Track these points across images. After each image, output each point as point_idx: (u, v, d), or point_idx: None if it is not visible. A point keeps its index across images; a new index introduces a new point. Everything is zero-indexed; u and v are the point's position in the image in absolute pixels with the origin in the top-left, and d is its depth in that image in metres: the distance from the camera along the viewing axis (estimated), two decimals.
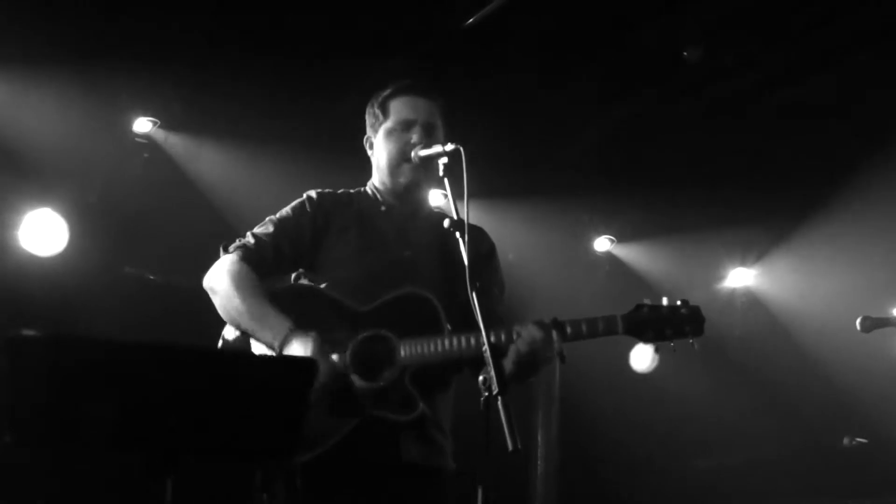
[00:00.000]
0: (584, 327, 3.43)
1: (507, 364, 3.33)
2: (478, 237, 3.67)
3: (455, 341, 3.40)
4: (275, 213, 3.71)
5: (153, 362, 2.47)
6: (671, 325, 3.47)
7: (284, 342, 3.35)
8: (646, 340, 3.47)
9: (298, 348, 3.33)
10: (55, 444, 2.54)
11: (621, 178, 7.42)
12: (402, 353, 3.41)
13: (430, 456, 3.49)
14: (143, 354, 2.47)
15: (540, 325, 3.39)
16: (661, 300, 3.52)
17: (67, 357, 2.41)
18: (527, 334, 3.36)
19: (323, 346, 3.34)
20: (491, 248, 3.81)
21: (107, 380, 2.42)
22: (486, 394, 2.88)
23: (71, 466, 5.62)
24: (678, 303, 3.52)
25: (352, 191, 3.81)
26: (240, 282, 3.49)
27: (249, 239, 3.61)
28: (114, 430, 2.42)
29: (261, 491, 3.39)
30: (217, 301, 3.54)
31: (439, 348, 3.41)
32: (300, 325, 3.39)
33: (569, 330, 3.41)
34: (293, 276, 3.70)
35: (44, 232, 6.02)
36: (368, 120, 3.80)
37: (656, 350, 3.46)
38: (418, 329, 3.44)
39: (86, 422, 2.40)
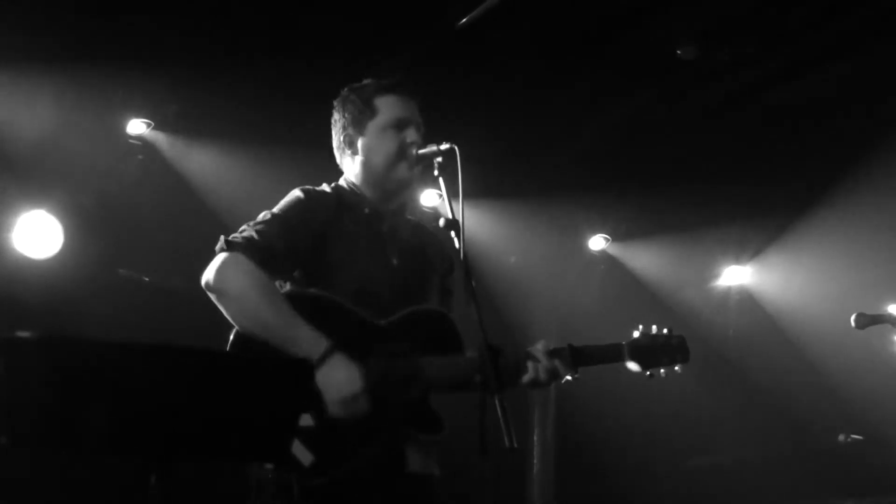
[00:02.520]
0: (595, 355, 3.59)
1: (525, 379, 3.46)
2: (448, 244, 3.50)
3: (476, 359, 3.29)
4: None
5: (148, 363, 2.46)
6: (666, 354, 3.65)
7: (324, 361, 3.25)
8: (645, 368, 3.62)
9: (343, 371, 3.26)
10: (51, 445, 2.53)
11: (616, 176, 7.43)
12: (428, 370, 3.38)
13: (426, 464, 3.50)
14: (138, 355, 2.46)
15: (557, 354, 3.50)
16: (651, 329, 3.67)
17: (62, 358, 2.40)
18: (548, 364, 3.47)
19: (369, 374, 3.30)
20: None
21: (102, 381, 2.41)
22: (483, 393, 2.89)
23: (67, 467, 5.61)
24: (664, 331, 3.67)
25: (333, 185, 3.74)
26: (261, 288, 3.33)
27: (254, 235, 3.40)
28: (109, 430, 2.42)
29: (256, 495, 3.39)
30: (230, 306, 3.35)
31: (465, 366, 3.40)
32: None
33: (583, 358, 3.55)
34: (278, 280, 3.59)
35: (38, 234, 6.02)
36: (348, 116, 3.71)
37: (650, 377, 3.62)
38: (440, 346, 3.45)
39: (81, 423, 2.39)
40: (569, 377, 3.50)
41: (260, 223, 3.46)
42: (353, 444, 3.28)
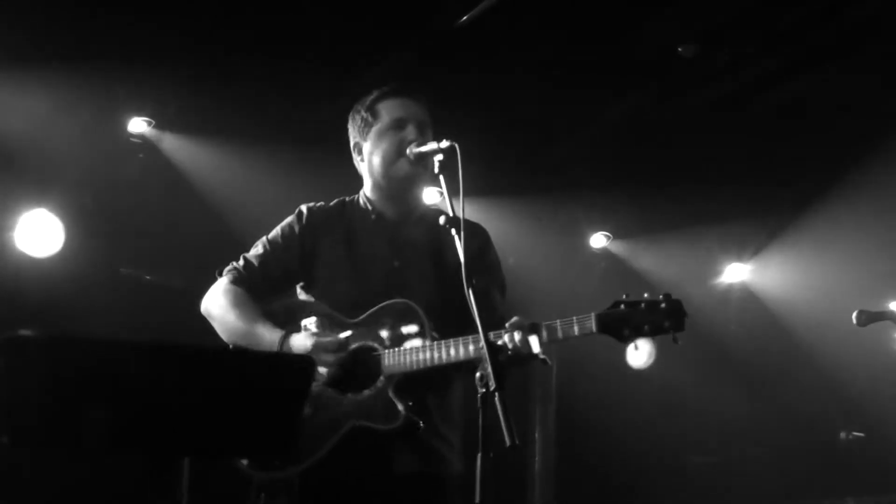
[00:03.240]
0: (559, 329, 3.33)
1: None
2: (471, 233, 3.45)
3: (437, 348, 3.40)
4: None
5: (149, 362, 2.47)
6: (650, 320, 3.30)
7: (281, 348, 3.48)
8: (622, 339, 3.34)
9: (298, 343, 3.46)
10: (52, 445, 2.53)
11: (617, 174, 7.43)
12: (386, 363, 3.46)
13: (426, 463, 3.50)
14: (139, 354, 2.47)
15: (517, 328, 3.30)
16: (641, 295, 3.38)
17: (64, 357, 2.40)
18: (502, 340, 3.26)
19: (320, 334, 3.47)
20: (484, 243, 3.78)
21: (103, 380, 2.42)
22: (483, 390, 2.88)
23: (67, 467, 5.61)
24: (660, 297, 3.35)
25: (346, 199, 3.84)
26: (231, 302, 3.64)
27: (240, 262, 3.74)
28: (111, 429, 2.42)
29: (256, 495, 3.41)
30: (215, 324, 3.69)
31: (420, 357, 3.43)
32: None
33: (545, 333, 3.31)
34: (298, 288, 3.77)
35: (40, 233, 6.02)
36: (355, 127, 3.79)
37: (636, 348, 3.41)
38: (404, 338, 3.49)
39: (83, 422, 2.39)
40: (538, 350, 3.21)
41: (251, 250, 3.78)
42: (311, 440, 3.38)
